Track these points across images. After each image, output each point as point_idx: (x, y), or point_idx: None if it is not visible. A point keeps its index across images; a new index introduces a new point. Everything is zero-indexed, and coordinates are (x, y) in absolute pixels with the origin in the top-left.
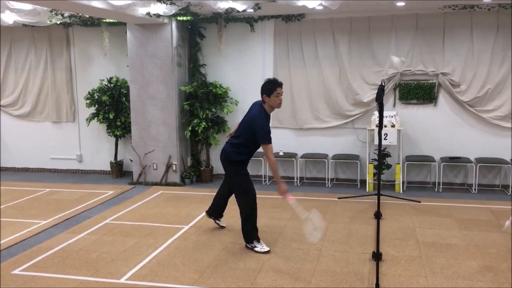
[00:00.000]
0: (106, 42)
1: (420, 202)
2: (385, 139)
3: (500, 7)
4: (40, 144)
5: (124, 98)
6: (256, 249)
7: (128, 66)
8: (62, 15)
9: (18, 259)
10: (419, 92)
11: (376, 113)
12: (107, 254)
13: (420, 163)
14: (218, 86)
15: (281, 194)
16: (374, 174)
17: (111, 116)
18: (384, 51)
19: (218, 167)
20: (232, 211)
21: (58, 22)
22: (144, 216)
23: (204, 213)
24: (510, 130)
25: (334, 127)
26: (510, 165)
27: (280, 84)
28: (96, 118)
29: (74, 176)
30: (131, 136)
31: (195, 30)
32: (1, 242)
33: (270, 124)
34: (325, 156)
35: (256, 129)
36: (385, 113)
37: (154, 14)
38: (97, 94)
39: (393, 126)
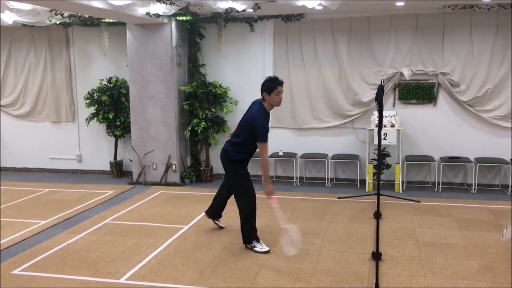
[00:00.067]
0: (105, 42)
1: (419, 202)
2: (384, 139)
3: (499, 7)
4: (40, 144)
5: (123, 98)
6: (255, 249)
7: (127, 66)
8: (62, 15)
9: (18, 259)
10: (418, 92)
11: (376, 113)
12: (107, 254)
13: (420, 163)
14: (218, 86)
15: (266, 194)
16: (374, 174)
17: (110, 116)
18: (383, 51)
19: (217, 167)
20: (232, 211)
21: (58, 22)
22: (144, 216)
23: (203, 215)
24: (510, 130)
25: (334, 127)
26: (509, 165)
27: (280, 83)
28: (96, 118)
29: (73, 176)
30: (130, 136)
31: (195, 30)
32: (1, 242)
33: (270, 124)
34: (324, 156)
35: (256, 126)
36: (384, 113)
37: (153, 14)
38: (97, 94)
39: (392, 126)
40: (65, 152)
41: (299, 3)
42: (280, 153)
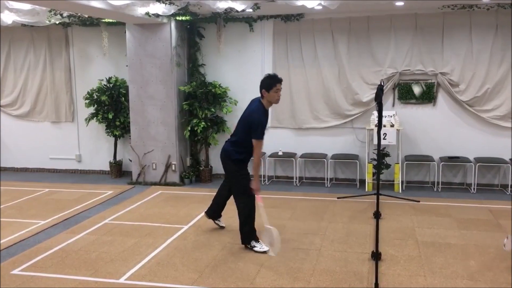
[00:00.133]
0: (105, 42)
1: (419, 201)
2: (384, 138)
3: (499, 6)
4: (39, 144)
5: (123, 98)
6: (255, 248)
7: (127, 66)
8: (61, 15)
9: (18, 259)
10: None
11: (375, 113)
12: (106, 254)
13: (419, 163)
14: (217, 86)
15: (253, 189)
16: (373, 174)
17: (110, 116)
18: (383, 51)
19: (217, 167)
20: (231, 211)
21: (57, 22)
22: (144, 216)
23: (203, 215)
24: (510, 130)
25: (333, 126)
26: (509, 165)
27: (280, 80)
28: (95, 118)
29: (73, 176)
30: (130, 136)
31: (194, 30)
32: (1, 242)
33: (270, 124)
34: (324, 156)
35: (253, 122)
36: (384, 113)
37: (153, 14)
38: (96, 94)
39: (392, 125)
40: (65, 152)
41: (299, 3)
42: (280, 153)
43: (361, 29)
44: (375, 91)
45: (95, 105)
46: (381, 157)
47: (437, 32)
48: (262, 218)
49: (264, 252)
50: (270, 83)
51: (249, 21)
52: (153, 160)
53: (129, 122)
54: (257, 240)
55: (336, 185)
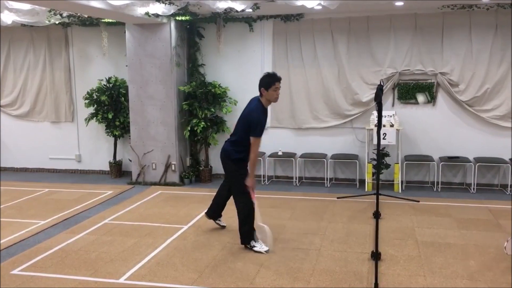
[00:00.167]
0: (104, 42)
1: (419, 201)
2: (384, 138)
3: (498, 6)
4: (39, 144)
5: (123, 98)
6: (255, 248)
7: (127, 66)
8: (61, 15)
9: (17, 259)
10: (417, 91)
11: (375, 113)
12: (106, 254)
13: (419, 163)
14: (217, 86)
15: (248, 186)
16: (373, 174)
17: (110, 116)
18: (382, 51)
19: (217, 167)
20: (231, 211)
21: (57, 22)
22: (143, 216)
23: (202, 215)
24: (510, 130)
25: (333, 126)
26: (508, 165)
27: (278, 79)
28: (95, 118)
29: (73, 176)
30: (130, 136)
31: (194, 30)
32: (1, 242)
33: (269, 124)
34: (324, 155)
35: (252, 120)
36: (384, 113)
37: (152, 14)
38: (96, 94)
39: (392, 125)
40: (64, 152)
41: (298, 3)
42: (280, 153)
43: (361, 29)
44: (374, 91)
45: (95, 105)
46: (380, 157)
47: (437, 32)
48: (255, 215)
49: (264, 252)
50: (269, 81)
51: (248, 21)
52: (152, 160)
53: (128, 122)
54: (256, 240)
55: (335, 185)
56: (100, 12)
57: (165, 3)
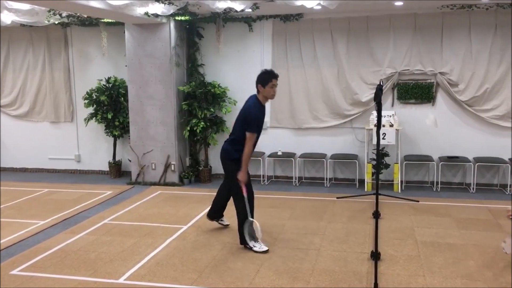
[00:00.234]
0: (104, 42)
1: (418, 201)
2: (383, 138)
3: (498, 6)
4: (38, 144)
5: (122, 98)
6: (254, 248)
7: (126, 66)
8: (60, 15)
9: (17, 259)
10: (417, 91)
11: (375, 113)
12: (106, 254)
13: (419, 163)
14: (217, 86)
15: (239, 180)
16: (373, 174)
17: (109, 116)
18: (382, 51)
19: (216, 167)
20: (230, 211)
21: (56, 22)
22: (143, 216)
23: (202, 215)
24: (510, 130)
25: (333, 126)
26: (508, 165)
27: (276, 76)
28: (95, 118)
29: (72, 176)
30: (129, 136)
31: (194, 30)
32: (0, 242)
33: (269, 124)
34: (323, 155)
35: (249, 117)
36: (383, 113)
37: (152, 14)
38: (95, 94)
39: (391, 125)
40: (64, 152)
41: (298, 3)
42: (279, 153)
43: (360, 29)
44: (374, 91)
45: (94, 105)
46: (380, 157)
47: (436, 32)
48: (245, 209)
49: (264, 252)
50: (266, 78)
51: (248, 21)
52: (152, 160)
53: (128, 122)
54: (256, 240)
55: (335, 185)
56: (100, 12)
57: (165, 3)
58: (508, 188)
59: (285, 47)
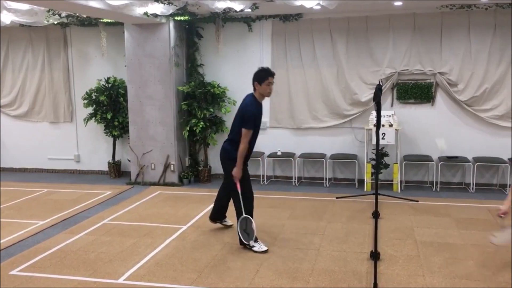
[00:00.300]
0: (103, 42)
1: (418, 201)
2: (383, 138)
3: (497, 6)
4: (38, 145)
5: (121, 98)
6: (254, 248)
7: (125, 66)
8: (60, 15)
9: (16, 259)
10: (416, 91)
11: (374, 113)
12: (105, 254)
13: (418, 163)
14: (216, 86)
15: (233, 175)
16: (372, 174)
17: (108, 116)
18: (381, 51)
19: (216, 167)
20: (230, 212)
21: (56, 22)
22: (142, 216)
23: (201, 215)
24: (509, 130)
25: (332, 126)
26: (507, 164)
27: (272, 74)
28: (94, 118)
29: (71, 176)
30: (129, 136)
31: (193, 30)
32: (0, 242)
33: (268, 124)
34: (323, 155)
35: (245, 114)
36: (382, 113)
37: (151, 14)
38: (95, 94)
39: (390, 125)
40: (63, 152)
41: (297, 3)
42: (279, 153)
43: (360, 29)
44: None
45: (94, 105)
46: (379, 157)
47: (436, 32)
48: (241, 206)
49: (263, 252)
50: (263, 75)
51: (247, 21)
52: (151, 160)
53: (127, 122)
54: (255, 240)
55: (335, 185)
56: (99, 12)
57: (164, 3)
58: (508, 188)
59: (285, 47)
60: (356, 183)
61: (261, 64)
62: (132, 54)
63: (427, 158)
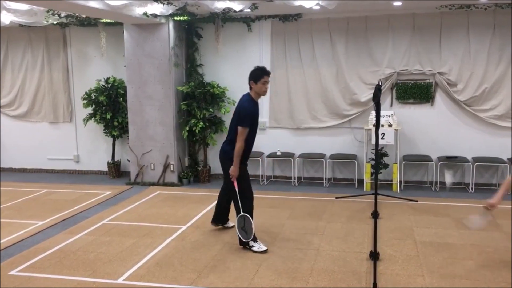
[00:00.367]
0: (103, 42)
1: (417, 201)
2: (382, 138)
3: (496, 6)
4: (37, 145)
5: (121, 98)
6: (253, 248)
7: (125, 66)
8: (59, 15)
9: (16, 259)
10: (416, 91)
11: (373, 113)
12: (105, 255)
13: (417, 163)
14: (216, 86)
15: (230, 174)
16: (372, 174)
17: (108, 116)
18: (381, 51)
19: (215, 167)
20: (231, 211)
21: (55, 22)
22: (142, 216)
23: (201, 215)
24: (509, 129)
25: (332, 126)
26: (507, 164)
27: (267, 73)
28: (93, 118)
29: (71, 176)
30: (128, 136)
31: (192, 30)
32: (0, 242)
33: (268, 124)
34: (322, 155)
35: (242, 112)
36: (382, 113)
37: (151, 14)
38: (94, 94)
39: (390, 125)
40: (63, 152)
41: (297, 3)
42: (278, 153)
43: (359, 29)
44: (373, 91)
45: (93, 106)
46: (379, 157)
47: (435, 32)
48: (239, 204)
49: (263, 252)
50: (258, 74)
51: (247, 21)
52: (151, 161)
53: (127, 123)
54: (255, 240)
55: (334, 185)
56: (98, 12)
57: (163, 3)
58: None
59: (284, 47)
60: (356, 183)
61: (260, 64)
62: (132, 54)
63: (427, 158)
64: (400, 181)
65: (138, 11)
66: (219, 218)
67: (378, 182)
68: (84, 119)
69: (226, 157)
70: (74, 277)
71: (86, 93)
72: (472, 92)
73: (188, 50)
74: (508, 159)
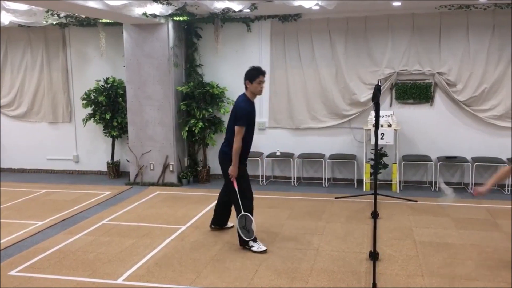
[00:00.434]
0: (102, 43)
1: (417, 201)
2: (381, 138)
3: (496, 6)
4: (37, 145)
5: (120, 99)
6: (253, 248)
7: (124, 66)
8: (58, 15)
9: (15, 260)
10: (415, 91)
11: (373, 113)
12: (104, 255)
13: (417, 163)
14: (215, 86)
15: (230, 173)
16: (371, 174)
17: (107, 117)
18: (380, 51)
19: (215, 168)
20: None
21: (54, 23)
22: (141, 216)
23: (200, 215)
24: (508, 129)
25: (331, 127)
26: (506, 164)
27: (263, 73)
28: (93, 118)
29: (70, 176)
30: (127, 136)
31: (192, 30)
32: (0, 242)
33: (267, 124)
34: (322, 156)
35: (238, 112)
36: (381, 113)
37: (150, 14)
38: (94, 94)
39: (389, 125)
40: (62, 152)
41: (296, 3)
42: (278, 153)
43: (359, 29)
44: (372, 91)
45: (93, 106)
46: (378, 157)
47: (434, 32)
48: (239, 204)
49: (262, 252)
50: (254, 74)
51: (246, 21)
52: (150, 161)
53: (126, 123)
54: (255, 240)
55: (334, 185)
56: (98, 12)
57: (163, 4)
58: (507, 188)
59: (284, 47)
60: (355, 183)
61: (260, 64)
62: (131, 55)
63: (426, 158)
64: (400, 181)
65: (138, 11)
66: (219, 220)
67: (378, 182)
68: (83, 119)
69: (225, 158)
70: (73, 277)
71: (85, 93)
72: (471, 92)
73: (188, 50)
74: (507, 159)
